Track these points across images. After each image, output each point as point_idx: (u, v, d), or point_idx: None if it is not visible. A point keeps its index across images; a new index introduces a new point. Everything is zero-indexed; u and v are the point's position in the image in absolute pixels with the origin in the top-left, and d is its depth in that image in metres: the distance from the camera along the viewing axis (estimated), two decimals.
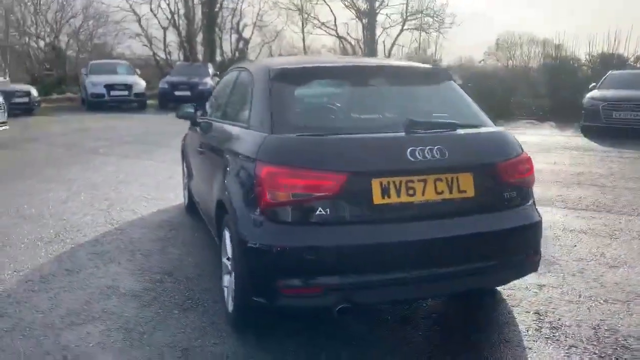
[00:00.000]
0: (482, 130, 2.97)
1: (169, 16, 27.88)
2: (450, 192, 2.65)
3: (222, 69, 25.07)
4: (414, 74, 3.39)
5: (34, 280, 3.62)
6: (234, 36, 29.09)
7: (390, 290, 2.58)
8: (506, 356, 2.72)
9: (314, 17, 27.73)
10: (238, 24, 28.88)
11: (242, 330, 2.88)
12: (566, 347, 2.78)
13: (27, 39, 31.52)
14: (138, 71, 18.91)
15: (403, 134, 2.66)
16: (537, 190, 6.21)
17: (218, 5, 25.88)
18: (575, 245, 4.43)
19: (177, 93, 17.52)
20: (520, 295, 3.42)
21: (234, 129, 3.19)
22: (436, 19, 26.58)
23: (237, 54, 29.31)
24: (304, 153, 2.55)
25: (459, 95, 3.27)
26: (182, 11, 26.49)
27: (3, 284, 3.55)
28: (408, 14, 26.79)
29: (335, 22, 27.94)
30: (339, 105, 3.22)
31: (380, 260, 2.53)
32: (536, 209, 3.00)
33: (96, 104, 16.77)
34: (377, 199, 2.52)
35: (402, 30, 27.20)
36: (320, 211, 2.47)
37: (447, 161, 2.63)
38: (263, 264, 2.51)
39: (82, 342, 2.80)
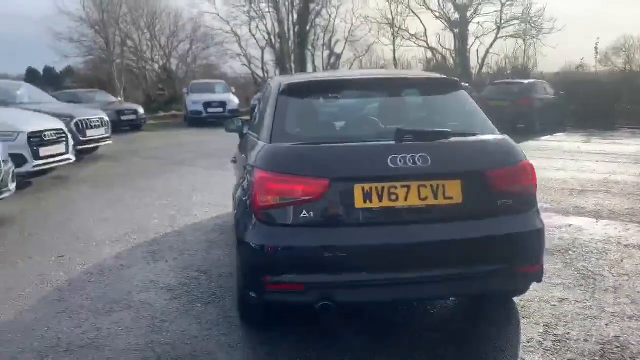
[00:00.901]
0: (479, 138, 3.00)
1: (266, 36, 29.29)
2: (436, 199, 2.73)
3: None
4: (421, 85, 3.48)
5: (93, 272, 4.17)
6: (326, 52, 29.95)
7: (371, 291, 2.70)
8: None
9: (405, 30, 27.74)
10: (330, 40, 29.71)
11: (248, 323, 3.15)
12: None
13: (143, 63, 34.55)
14: (233, 89, 20.18)
15: (386, 142, 2.79)
16: (611, 203, 5.96)
17: (310, 24, 26.85)
18: (622, 260, 4.18)
19: None
20: (536, 307, 3.34)
21: (251, 140, 3.50)
22: (533, 25, 25.39)
23: (328, 69, 30.08)
24: (291, 160, 2.78)
25: (467, 105, 3.31)
26: (278, 31, 27.77)
27: (68, 274, 4.13)
28: (503, 22, 25.89)
29: (425, 33, 27.75)
30: (341, 116, 3.40)
31: (361, 262, 2.66)
32: (538, 218, 2.96)
33: (195, 121, 18.13)
34: (359, 203, 2.67)
35: (496, 39, 26.33)
36: (304, 214, 2.67)
37: (430, 168, 2.71)
38: (253, 261, 2.76)
39: (114, 326, 3.23)
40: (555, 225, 5.13)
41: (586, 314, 3.23)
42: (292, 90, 3.22)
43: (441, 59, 27.22)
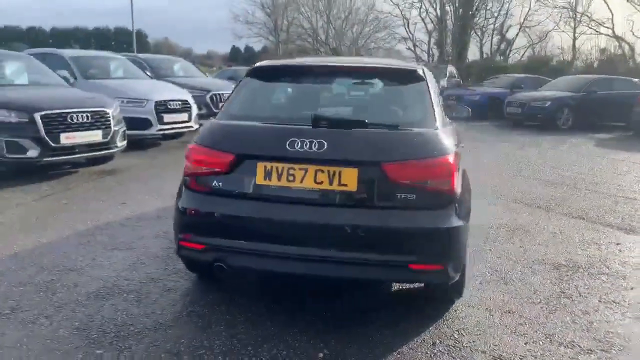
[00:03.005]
0: (396, 130, 2.97)
1: (435, 20, 28.73)
2: (331, 184, 2.84)
3: (471, 70, 24.84)
4: (381, 74, 3.48)
5: (131, 218, 5.01)
6: (496, 37, 28.31)
7: (260, 260, 2.93)
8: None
9: (588, 16, 24.82)
10: (502, 24, 27.98)
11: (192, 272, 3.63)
12: None
13: (318, 45, 36.38)
14: None
15: (289, 125, 2.97)
16: None
17: (475, 7, 25.59)
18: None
19: None
20: (450, 316, 3.21)
21: None
22: None
23: (498, 56, 28.42)
24: (211, 135, 3.12)
25: (420, 97, 3.26)
26: (439, 14, 27.10)
27: (115, 217, 5.03)
28: None
29: (612, 19, 24.51)
30: (287, 100, 3.59)
31: (253, 232, 2.91)
32: (451, 218, 2.86)
33: None
34: (260, 179, 2.91)
35: None
36: (215, 184, 3.00)
37: (325, 154, 2.82)
38: (175, 219, 3.19)
39: (109, 259, 3.96)
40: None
41: (516, 331, 3.03)
42: (255, 73, 3.52)
43: (628, 50, 23.85)
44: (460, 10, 25.63)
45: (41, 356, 2.68)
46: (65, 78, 8.71)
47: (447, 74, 19.60)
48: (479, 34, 27.63)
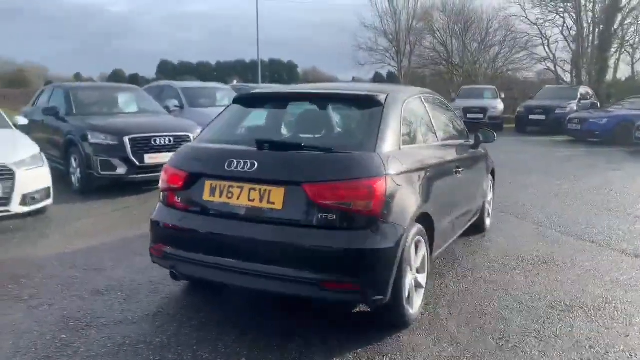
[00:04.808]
0: (325, 153, 3.08)
1: (570, 39, 26.64)
2: (261, 202, 3.06)
3: (613, 91, 22.40)
4: (343, 100, 3.60)
5: None
6: None
7: (204, 270, 3.22)
8: None
9: None
10: None
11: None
12: None
13: (450, 67, 35.69)
14: (502, 95, 19.50)
15: (230, 147, 3.26)
16: None
17: (617, 22, 23.10)
18: None
19: (531, 117, 17.28)
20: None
21: None
22: None
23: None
24: (177, 156, 3.53)
25: (371, 122, 3.33)
26: (575, 32, 24.98)
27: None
28: None
29: None
30: (252, 124, 3.84)
31: (198, 244, 3.22)
32: (370, 239, 2.90)
33: None
34: (206, 196, 3.24)
35: None
36: (176, 198, 3.40)
37: (255, 174, 3.05)
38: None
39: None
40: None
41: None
42: (237, 101, 3.89)
43: None
44: (601, 26, 23.36)
45: (23, 334, 3.26)
46: (175, 106, 9.97)
47: (579, 95, 18.00)
48: (630, 51, 24.86)
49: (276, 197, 3.03)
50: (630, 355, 3.02)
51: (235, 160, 3.15)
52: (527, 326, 3.36)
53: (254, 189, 3.09)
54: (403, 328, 3.27)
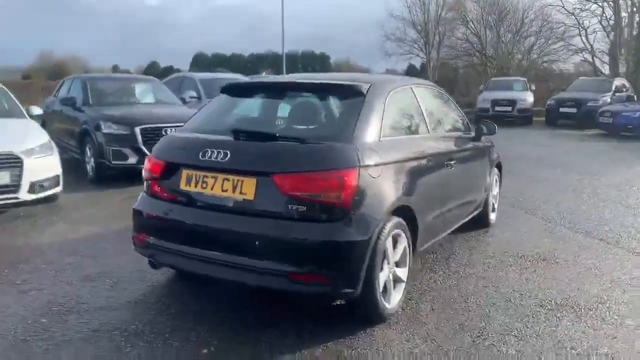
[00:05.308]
0: (299, 144, 3.02)
1: (608, 29, 25.65)
2: (234, 192, 3.04)
3: None
4: (326, 90, 3.52)
5: None
6: None
7: (180, 260, 3.23)
8: None
9: None
10: None
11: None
12: None
13: (484, 59, 34.93)
14: (533, 87, 18.92)
15: (204, 136, 3.24)
16: None
17: None
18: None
19: (562, 110, 16.72)
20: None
21: None
22: None
23: None
24: (157, 145, 3.54)
25: (351, 112, 3.27)
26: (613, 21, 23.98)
27: None
28: None
29: None
30: (237, 113, 3.80)
31: (174, 234, 3.23)
32: (340, 231, 2.84)
33: (482, 118, 17.93)
34: (183, 185, 3.24)
35: None
36: (156, 188, 3.42)
37: (227, 164, 3.03)
38: None
39: None
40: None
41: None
42: (226, 89, 3.87)
43: None
44: (638, 16, 22.38)
45: (7, 317, 3.34)
46: (192, 97, 10.07)
47: (613, 88, 17.30)
48: None
49: (248, 187, 3.00)
50: (612, 358, 2.88)
51: (209, 150, 3.13)
52: (509, 324, 3.25)
53: (227, 179, 3.07)
54: (379, 322, 3.21)
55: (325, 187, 2.86)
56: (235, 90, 3.89)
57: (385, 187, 3.15)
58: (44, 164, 5.90)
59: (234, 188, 3.05)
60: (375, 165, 3.09)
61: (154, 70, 52.80)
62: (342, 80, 3.56)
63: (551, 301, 3.60)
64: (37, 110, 7.32)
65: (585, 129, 15.70)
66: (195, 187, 3.19)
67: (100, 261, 4.36)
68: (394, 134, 3.50)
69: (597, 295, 3.72)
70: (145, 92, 9.12)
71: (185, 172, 3.25)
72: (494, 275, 4.10)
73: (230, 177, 3.06)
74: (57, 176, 6.09)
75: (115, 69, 53.01)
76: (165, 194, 3.37)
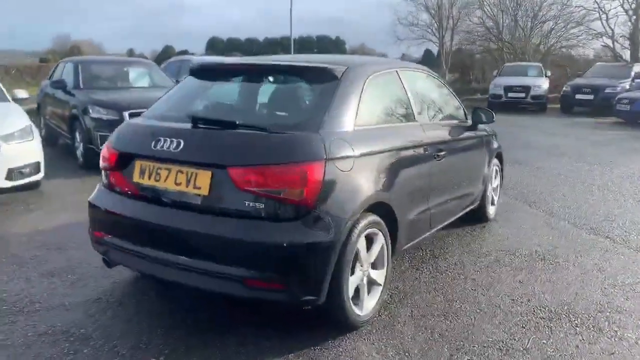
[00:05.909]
0: (258, 132, 2.69)
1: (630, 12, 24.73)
2: (187, 186, 2.74)
3: None
4: (297, 72, 3.17)
5: None
6: None
7: (133, 259, 2.94)
8: None
9: None
10: None
11: None
12: None
13: (500, 44, 34.09)
14: (549, 73, 18.26)
15: (159, 124, 2.93)
16: None
17: None
18: None
19: (577, 96, 16.09)
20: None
21: None
22: None
23: None
24: (115, 133, 3.25)
25: (323, 97, 2.94)
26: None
27: None
28: None
29: None
30: (202, 97, 3.47)
31: (126, 231, 2.95)
32: (303, 233, 2.53)
33: (494, 105, 17.32)
34: (136, 177, 2.95)
35: None
36: (111, 179, 3.14)
37: (179, 155, 2.73)
38: None
39: None
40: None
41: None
42: (193, 71, 3.55)
43: None
44: None
45: None
46: None
47: (632, 74, 16.60)
48: None
49: (202, 181, 2.70)
50: None
51: (162, 139, 2.83)
52: (495, 335, 2.93)
53: (181, 172, 2.77)
54: (349, 331, 2.91)
55: (286, 183, 2.55)
56: (203, 73, 3.56)
57: (358, 182, 2.82)
58: (23, 150, 5.68)
59: (188, 181, 2.75)
60: (347, 157, 2.76)
61: (168, 55, 52.56)
62: (316, 63, 3.21)
63: (545, 308, 3.27)
64: (22, 94, 7.08)
65: (602, 116, 15.09)
66: (149, 179, 2.90)
67: (67, 254, 4.12)
68: (372, 123, 3.17)
69: (597, 301, 3.38)
70: (140, 76, 8.84)
71: (138, 163, 2.96)
72: (485, 276, 3.77)
73: (184, 169, 2.76)
74: (38, 162, 5.87)
75: (130, 52, 52.87)
76: (119, 187, 3.09)
